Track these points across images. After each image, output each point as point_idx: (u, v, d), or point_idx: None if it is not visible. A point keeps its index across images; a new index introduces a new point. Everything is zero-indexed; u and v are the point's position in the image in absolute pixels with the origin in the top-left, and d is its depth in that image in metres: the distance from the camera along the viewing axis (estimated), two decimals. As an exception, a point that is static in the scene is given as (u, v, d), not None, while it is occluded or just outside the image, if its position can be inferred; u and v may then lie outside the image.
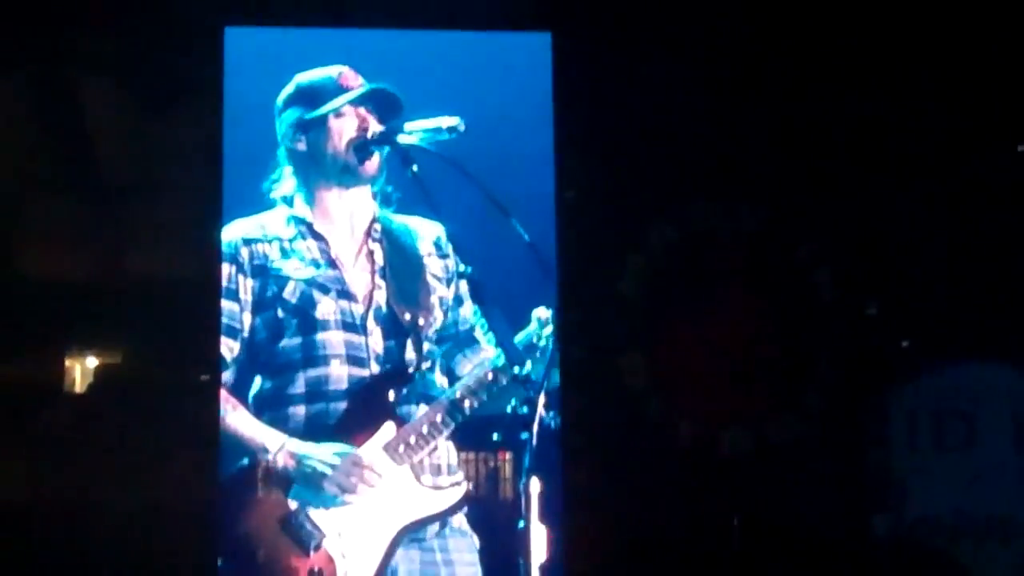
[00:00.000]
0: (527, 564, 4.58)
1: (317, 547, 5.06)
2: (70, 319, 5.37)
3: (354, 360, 5.18)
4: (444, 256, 5.38)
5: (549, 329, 5.18)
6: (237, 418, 5.13)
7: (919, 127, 5.73)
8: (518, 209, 4.95)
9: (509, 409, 5.01)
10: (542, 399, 4.74)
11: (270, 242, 5.23)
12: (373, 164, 5.26)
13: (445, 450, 5.25)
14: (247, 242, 5.22)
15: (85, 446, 5.34)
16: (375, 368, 5.19)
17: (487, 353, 5.25)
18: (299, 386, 5.15)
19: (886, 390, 5.77)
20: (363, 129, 5.24)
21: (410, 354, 5.21)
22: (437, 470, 5.22)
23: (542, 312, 5.20)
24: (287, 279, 5.20)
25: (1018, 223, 5.72)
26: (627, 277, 5.69)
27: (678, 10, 5.68)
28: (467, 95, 5.33)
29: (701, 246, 5.73)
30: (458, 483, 5.24)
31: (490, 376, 5.15)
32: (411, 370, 5.20)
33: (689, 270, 5.75)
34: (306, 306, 5.18)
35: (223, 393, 5.15)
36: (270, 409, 5.16)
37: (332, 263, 5.24)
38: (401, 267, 5.31)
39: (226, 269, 5.19)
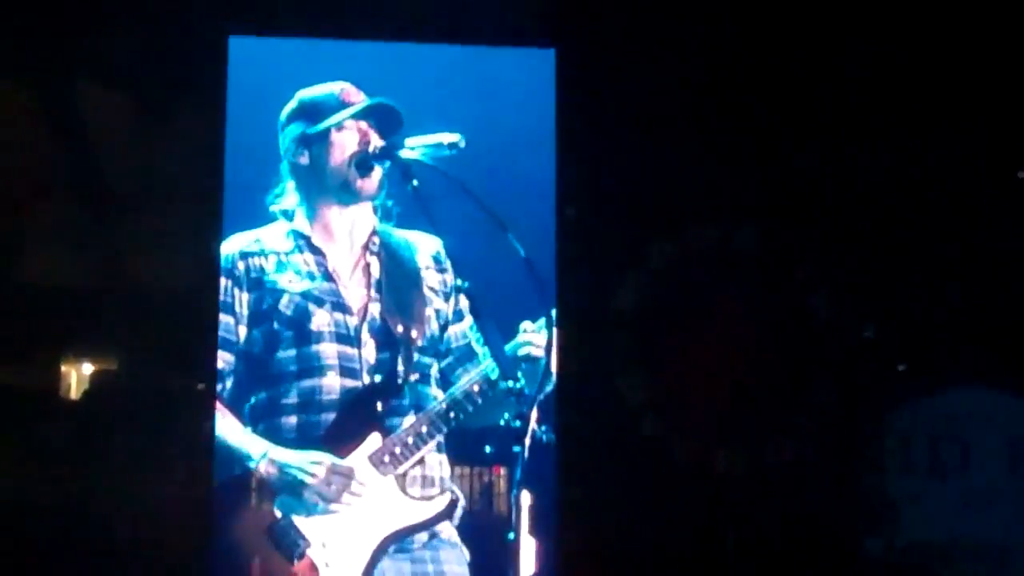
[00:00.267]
0: (516, 577, 4.61)
1: (301, 556, 5.08)
2: (68, 327, 5.40)
3: (347, 371, 5.21)
4: (442, 270, 5.41)
5: (534, 337, 5.20)
6: (223, 426, 5.17)
7: (918, 151, 5.74)
8: (517, 225, 4.96)
9: (502, 422, 5.04)
10: (535, 413, 4.77)
11: (267, 256, 5.27)
12: (374, 180, 5.29)
13: (437, 463, 5.27)
14: (244, 256, 5.26)
15: (81, 454, 5.37)
16: (367, 379, 5.22)
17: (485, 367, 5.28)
18: (292, 397, 5.18)
19: (881, 413, 5.77)
20: (364, 143, 5.28)
21: (401, 366, 5.25)
22: (426, 482, 5.24)
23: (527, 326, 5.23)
24: (283, 292, 5.24)
25: (1015, 248, 5.73)
26: (625, 294, 5.70)
27: (681, 29, 5.70)
28: (469, 110, 5.36)
29: (699, 265, 5.74)
30: (442, 492, 5.26)
31: (476, 388, 5.17)
32: (400, 381, 5.23)
33: (687, 289, 5.76)
34: (301, 318, 5.22)
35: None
36: (264, 419, 5.19)
37: (328, 276, 5.28)
38: (398, 280, 5.34)
39: (223, 283, 5.23)
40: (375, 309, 5.29)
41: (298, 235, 5.31)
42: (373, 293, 5.31)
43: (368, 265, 5.34)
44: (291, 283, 5.25)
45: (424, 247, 5.40)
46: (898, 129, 5.74)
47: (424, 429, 5.18)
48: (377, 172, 5.30)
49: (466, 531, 5.29)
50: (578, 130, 5.56)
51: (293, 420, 5.17)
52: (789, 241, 5.76)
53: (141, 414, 5.38)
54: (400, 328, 5.26)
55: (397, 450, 5.17)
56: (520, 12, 5.59)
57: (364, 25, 5.55)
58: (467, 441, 5.32)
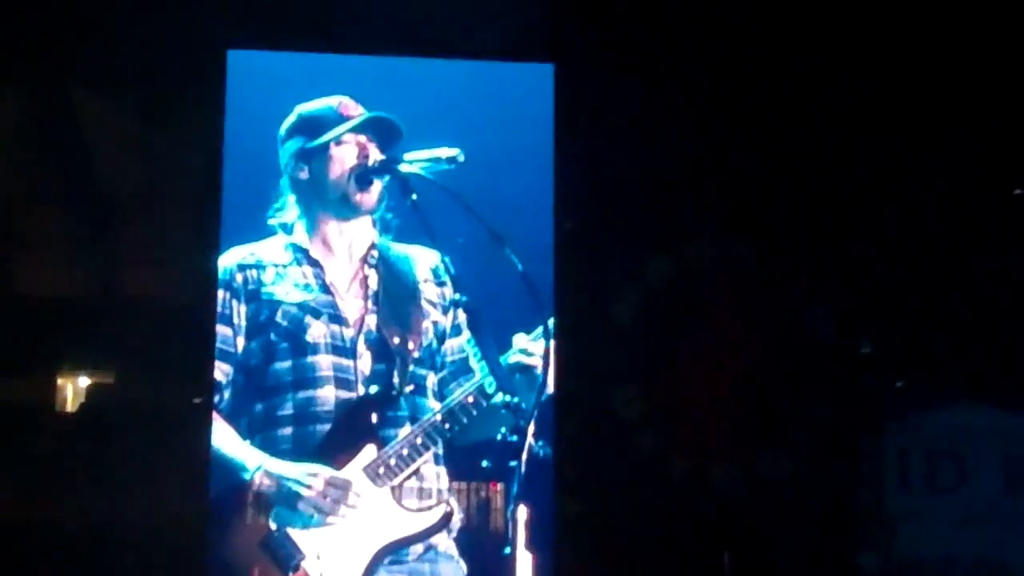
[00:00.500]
0: (513, 591, 4.62)
1: (296, 568, 5.09)
2: (65, 339, 5.39)
3: (342, 383, 5.22)
4: (441, 284, 5.42)
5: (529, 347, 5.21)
6: (219, 437, 5.17)
7: (917, 166, 5.75)
8: (515, 239, 4.98)
9: (499, 436, 5.07)
10: (532, 427, 4.78)
11: (264, 268, 5.29)
12: (373, 194, 5.31)
13: (434, 475, 5.28)
14: (242, 268, 5.29)
15: (77, 466, 5.37)
16: (363, 391, 5.23)
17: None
18: (288, 408, 5.20)
19: (878, 429, 5.77)
20: (364, 157, 5.30)
21: (397, 378, 5.25)
22: (422, 494, 5.25)
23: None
24: (280, 304, 5.25)
25: (1013, 264, 5.73)
26: (623, 308, 5.70)
27: (678, 44, 5.71)
28: (468, 124, 5.37)
29: (697, 279, 5.75)
30: (438, 504, 5.26)
31: (471, 399, 5.18)
32: (395, 393, 5.23)
33: (685, 304, 5.76)
34: (297, 330, 5.23)
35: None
36: (261, 430, 5.21)
37: (326, 288, 5.30)
38: (395, 293, 5.35)
39: (221, 294, 5.25)
40: (372, 321, 5.30)
41: (296, 248, 5.32)
42: (370, 305, 5.32)
43: (366, 278, 5.35)
44: (288, 295, 5.27)
45: (422, 261, 5.41)
46: (896, 144, 5.74)
47: (419, 440, 5.19)
48: (376, 186, 5.32)
49: (463, 544, 5.29)
50: (576, 144, 5.56)
51: (289, 431, 5.18)
52: (786, 256, 5.76)
53: (138, 426, 5.37)
54: (396, 340, 5.27)
55: (392, 461, 5.18)
56: (519, 27, 5.60)
57: (363, 40, 5.56)
58: (464, 455, 5.33)
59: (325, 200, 5.33)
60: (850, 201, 5.74)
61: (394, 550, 5.17)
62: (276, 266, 5.30)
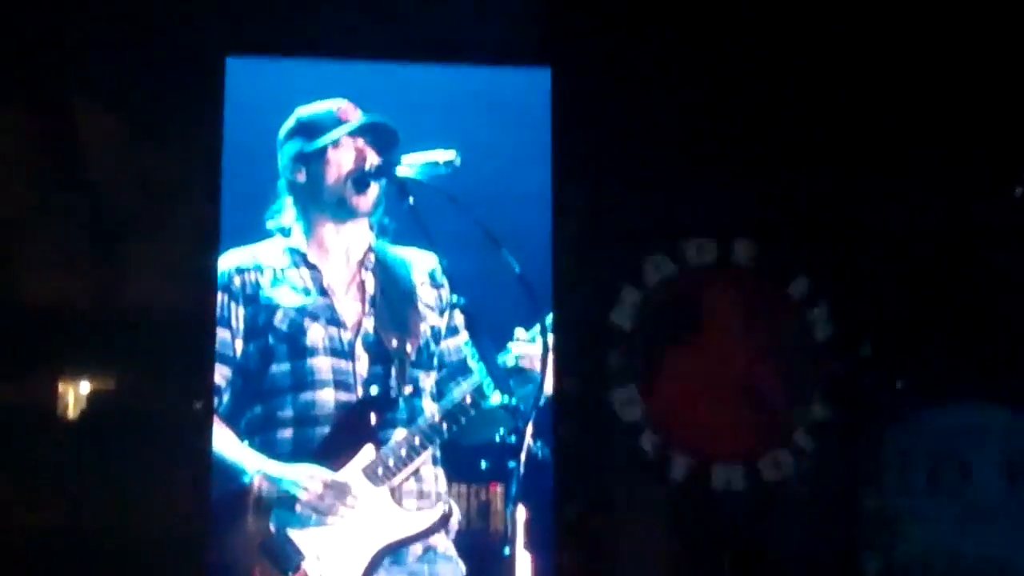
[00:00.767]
0: (512, 592, 4.62)
1: (296, 569, 5.10)
2: (65, 345, 5.40)
3: (341, 385, 5.24)
4: (438, 286, 5.46)
5: (526, 347, 5.22)
6: (219, 440, 5.19)
7: (916, 166, 5.74)
8: (512, 241, 4.99)
9: (497, 438, 5.08)
10: (530, 429, 4.78)
11: (263, 271, 5.32)
12: (370, 197, 5.34)
13: (432, 476, 5.29)
14: (240, 271, 5.32)
15: (78, 473, 5.36)
16: (361, 393, 5.24)
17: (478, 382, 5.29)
18: (287, 411, 5.22)
19: (880, 430, 5.76)
20: (361, 161, 5.33)
21: (395, 379, 5.27)
22: (421, 495, 5.26)
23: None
24: (278, 307, 5.28)
25: (1014, 264, 5.72)
26: (622, 310, 5.70)
27: (676, 48, 5.71)
28: (465, 128, 5.40)
29: (696, 281, 5.74)
30: (436, 505, 5.27)
31: (468, 400, 5.19)
32: (393, 395, 5.25)
33: (684, 304, 5.75)
34: (296, 333, 5.25)
35: (210, 418, 5.22)
36: (260, 433, 5.23)
37: (323, 291, 5.32)
38: (392, 295, 5.38)
39: (220, 297, 5.27)
40: (369, 324, 5.32)
41: (294, 251, 5.35)
42: (368, 308, 5.35)
43: (363, 281, 5.38)
44: (286, 298, 5.29)
45: (419, 264, 5.44)
46: (895, 145, 5.74)
47: (417, 441, 5.20)
48: (373, 189, 5.34)
49: (462, 545, 5.31)
50: (574, 148, 5.57)
51: (288, 434, 5.21)
52: (786, 257, 5.75)
53: (139, 430, 5.38)
54: (394, 342, 5.29)
55: (391, 462, 5.19)
56: (516, 31, 5.60)
57: (361, 45, 5.56)
58: (463, 456, 5.36)
59: (322, 203, 5.36)
60: (850, 201, 5.73)
61: (393, 551, 5.18)
62: (274, 269, 5.33)
